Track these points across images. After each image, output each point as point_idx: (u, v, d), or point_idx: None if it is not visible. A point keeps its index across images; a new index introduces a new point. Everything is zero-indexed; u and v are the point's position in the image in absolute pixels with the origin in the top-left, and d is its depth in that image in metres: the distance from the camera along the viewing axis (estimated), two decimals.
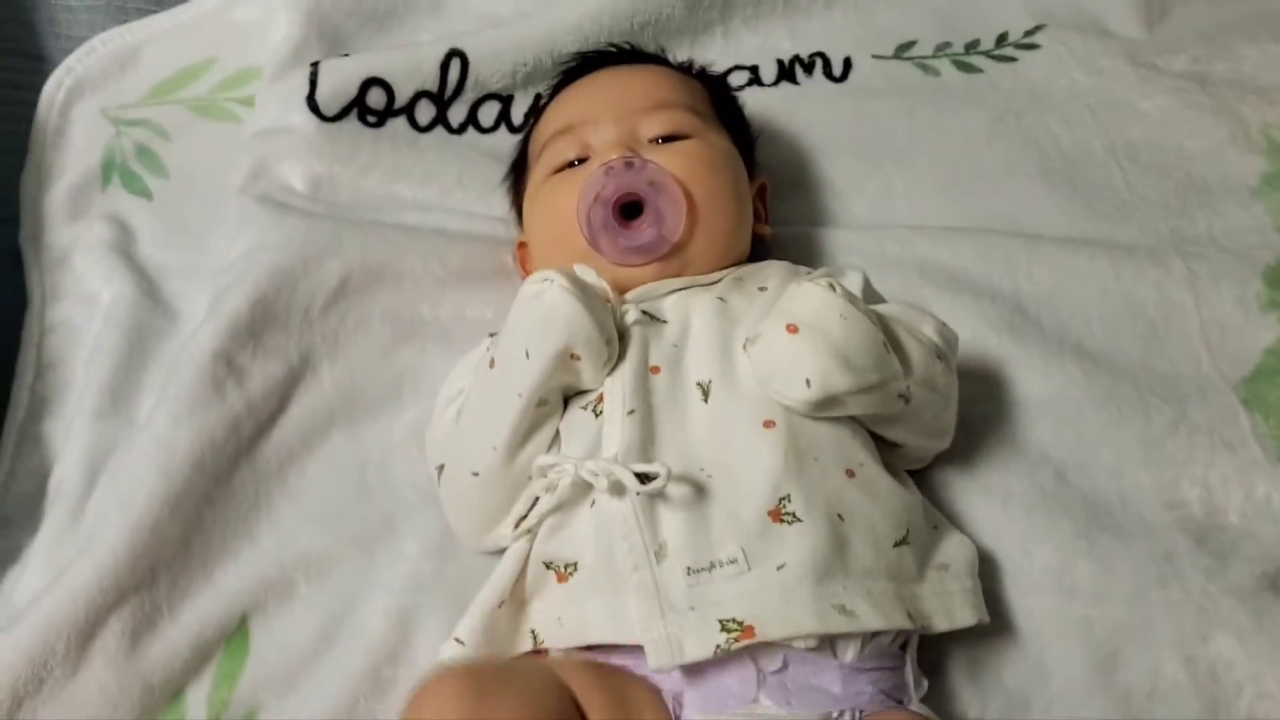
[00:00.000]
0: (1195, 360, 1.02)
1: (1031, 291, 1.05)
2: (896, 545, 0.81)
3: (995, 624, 0.85)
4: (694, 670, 0.75)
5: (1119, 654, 0.86)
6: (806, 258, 1.06)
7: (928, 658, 0.84)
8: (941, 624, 0.80)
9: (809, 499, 0.78)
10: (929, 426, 0.90)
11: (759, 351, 0.82)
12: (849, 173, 1.16)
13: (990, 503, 0.92)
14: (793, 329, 0.80)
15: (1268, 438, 0.97)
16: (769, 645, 0.74)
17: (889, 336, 0.83)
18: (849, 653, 0.76)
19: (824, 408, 0.81)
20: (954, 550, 0.85)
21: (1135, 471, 0.95)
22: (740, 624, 0.73)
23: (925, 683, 0.81)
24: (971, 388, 0.94)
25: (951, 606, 0.81)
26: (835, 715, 0.74)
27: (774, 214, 1.08)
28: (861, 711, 0.75)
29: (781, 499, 0.78)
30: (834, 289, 0.81)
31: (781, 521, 0.77)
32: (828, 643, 0.75)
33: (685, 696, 0.75)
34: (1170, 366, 1.02)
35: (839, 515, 0.78)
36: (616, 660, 0.77)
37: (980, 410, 0.97)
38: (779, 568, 0.75)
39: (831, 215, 1.14)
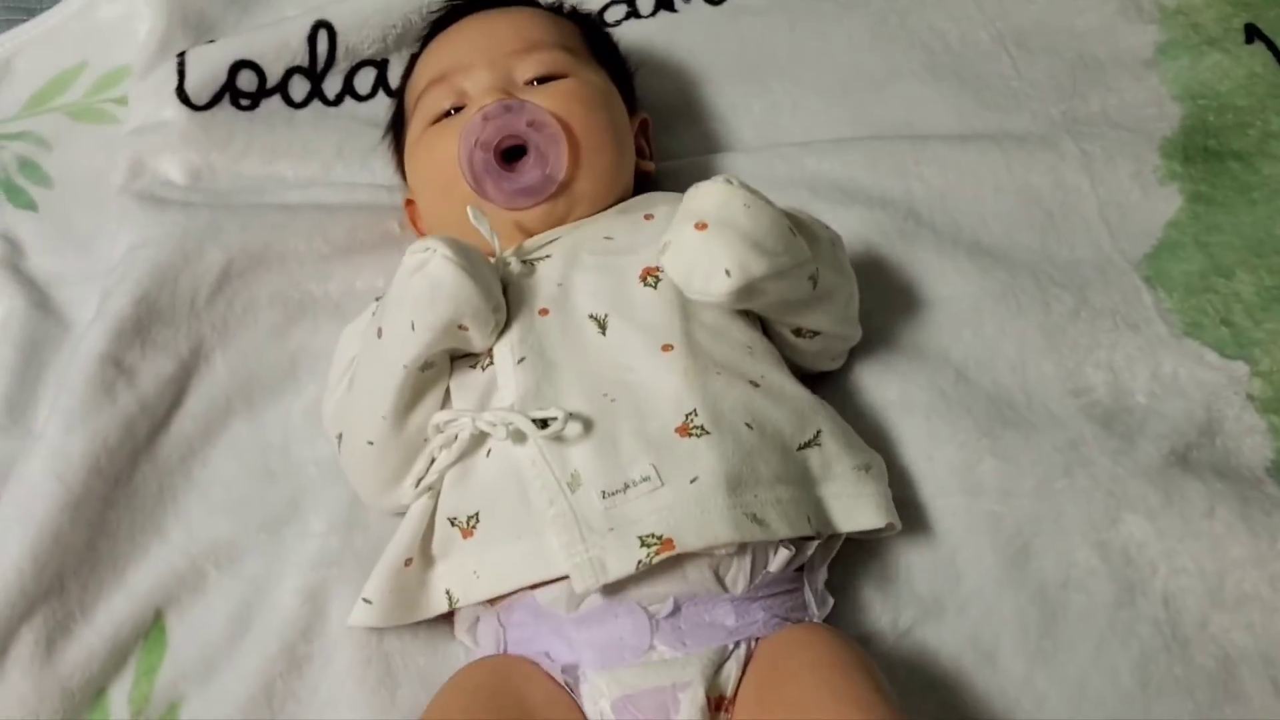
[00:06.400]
0: (1095, 243, 1.01)
1: (923, 194, 1.04)
2: (803, 448, 0.80)
3: (902, 531, 0.84)
4: (588, 624, 0.75)
5: (1030, 547, 0.85)
6: None
7: (836, 575, 0.83)
8: (845, 525, 0.80)
9: (714, 411, 0.78)
10: (842, 313, 0.90)
11: (673, 255, 0.80)
12: (734, 96, 1.14)
13: (889, 412, 0.91)
14: (701, 226, 0.78)
15: (1172, 312, 0.96)
16: (660, 589, 0.74)
17: (793, 221, 0.82)
18: (739, 584, 0.75)
19: (745, 296, 0.79)
20: (871, 456, 0.84)
21: (1038, 362, 0.94)
22: (659, 538, 0.73)
23: (830, 600, 0.80)
24: (867, 299, 0.93)
25: (857, 508, 0.80)
26: (731, 647, 0.74)
27: (662, 148, 1.06)
28: (757, 639, 0.74)
29: (688, 414, 0.77)
30: (731, 183, 0.80)
31: (690, 435, 0.77)
32: (718, 579, 0.75)
33: (582, 661, 0.75)
34: (1070, 253, 1.00)
35: (746, 424, 0.78)
36: (515, 640, 0.78)
37: (877, 322, 0.95)
38: (692, 480, 0.75)
39: (719, 142, 1.12)
